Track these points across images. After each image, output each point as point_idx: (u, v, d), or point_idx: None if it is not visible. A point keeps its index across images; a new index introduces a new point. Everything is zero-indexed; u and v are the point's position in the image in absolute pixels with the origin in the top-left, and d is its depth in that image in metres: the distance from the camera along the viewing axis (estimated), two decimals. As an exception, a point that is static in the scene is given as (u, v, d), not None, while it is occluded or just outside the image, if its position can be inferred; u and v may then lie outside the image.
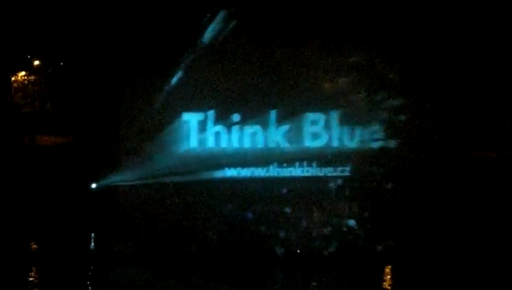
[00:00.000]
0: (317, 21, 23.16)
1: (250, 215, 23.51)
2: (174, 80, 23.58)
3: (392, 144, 23.99)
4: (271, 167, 23.86)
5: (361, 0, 23.45)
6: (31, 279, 19.51)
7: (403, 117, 23.70)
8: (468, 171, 23.67)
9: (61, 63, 27.55)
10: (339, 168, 23.99)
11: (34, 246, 22.81)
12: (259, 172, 23.86)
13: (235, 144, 23.82)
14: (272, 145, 23.84)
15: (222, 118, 23.61)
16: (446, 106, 23.76)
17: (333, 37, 23.37)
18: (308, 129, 23.87)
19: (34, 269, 20.21)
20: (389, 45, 23.58)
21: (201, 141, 23.82)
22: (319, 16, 23.17)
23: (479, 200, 23.76)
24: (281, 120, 23.71)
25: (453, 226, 23.08)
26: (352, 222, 23.57)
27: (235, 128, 23.69)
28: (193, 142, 23.85)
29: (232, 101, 23.51)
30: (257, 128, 23.72)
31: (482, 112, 24.98)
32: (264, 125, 23.71)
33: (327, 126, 23.87)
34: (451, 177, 23.59)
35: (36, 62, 27.93)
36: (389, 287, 20.50)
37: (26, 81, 28.11)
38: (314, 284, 20.33)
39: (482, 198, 23.86)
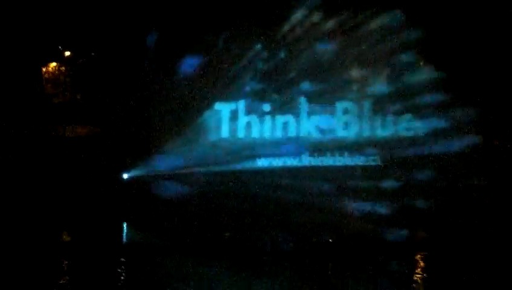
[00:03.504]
0: (350, 11, 23.14)
1: (281, 204, 23.47)
2: (205, 70, 23.63)
3: (423, 132, 23.86)
4: (303, 156, 23.85)
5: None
6: (62, 270, 19.56)
7: (435, 106, 23.58)
8: (502, 161, 23.50)
9: (92, 54, 27.62)
10: (371, 158, 23.92)
11: (65, 236, 22.88)
12: (291, 162, 23.85)
13: (267, 133, 23.84)
14: (303, 134, 23.82)
15: (254, 107, 23.63)
16: (481, 95, 23.57)
17: (366, 27, 23.30)
18: (339, 118, 23.83)
19: (65, 259, 20.26)
20: (422, 32, 23.41)
21: (233, 131, 23.87)
22: (352, 6, 23.16)
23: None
24: (312, 109, 23.70)
25: (484, 215, 22.90)
26: (383, 211, 23.46)
27: (267, 118, 23.71)
28: (224, 132, 23.92)
29: (264, 91, 23.53)
30: (289, 118, 23.73)
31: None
32: (296, 115, 23.71)
33: (359, 115, 23.84)
34: (483, 167, 23.40)
35: (67, 53, 27.98)
36: (420, 276, 20.35)
37: (57, 72, 28.16)
38: (346, 272, 20.22)
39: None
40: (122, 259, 20.39)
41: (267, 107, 23.67)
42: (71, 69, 28.10)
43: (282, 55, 23.75)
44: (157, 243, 22.00)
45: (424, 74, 23.81)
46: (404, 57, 23.84)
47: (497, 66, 23.72)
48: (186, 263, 19.87)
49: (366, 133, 23.93)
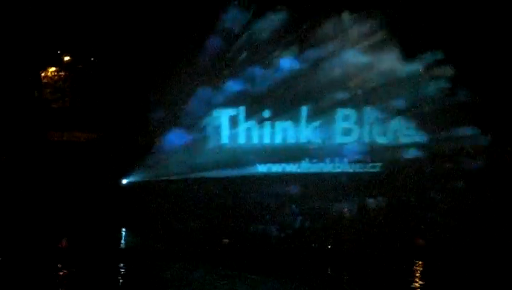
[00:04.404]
0: (353, 16, 23.23)
1: (281, 210, 23.50)
2: (205, 76, 23.67)
3: (423, 139, 23.94)
4: (302, 163, 23.91)
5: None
6: (62, 274, 19.50)
7: (435, 112, 23.65)
8: (504, 168, 23.56)
9: (91, 59, 27.62)
10: (370, 164, 23.99)
11: (64, 241, 22.80)
12: (290, 168, 23.91)
13: (266, 140, 23.92)
14: (303, 141, 23.90)
15: (253, 114, 23.70)
16: (482, 101, 23.64)
17: (369, 32, 23.38)
18: (339, 125, 23.91)
19: (64, 263, 20.20)
20: (424, 40, 23.49)
21: (233, 137, 23.93)
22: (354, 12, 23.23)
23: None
24: (312, 116, 23.78)
25: (486, 221, 22.90)
26: (382, 218, 23.46)
27: (267, 124, 23.78)
28: (224, 138, 23.97)
29: (264, 97, 23.60)
30: (288, 124, 23.81)
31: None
32: (296, 121, 23.80)
33: (359, 122, 23.92)
34: (485, 174, 23.44)
35: (66, 58, 27.96)
36: (419, 283, 20.33)
37: (56, 77, 28.11)
38: (345, 278, 20.22)
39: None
40: (121, 264, 20.35)
41: (267, 113, 23.66)
42: (70, 74, 28.06)
43: (283, 62, 23.73)
44: (156, 248, 21.96)
45: (425, 80, 23.89)
46: (405, 65, 23.86)
47: (499, 72, 23.79)
48: (184, 268, 19.84)
49: (366, 139, 23.95)
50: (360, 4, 23.63)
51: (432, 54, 23.85)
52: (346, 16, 23.72)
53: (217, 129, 23.90)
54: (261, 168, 23.89)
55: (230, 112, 23.83)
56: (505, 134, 24.44)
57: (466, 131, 23.77)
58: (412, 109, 23.91)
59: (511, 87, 24.34)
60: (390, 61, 23.84)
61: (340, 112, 23.95)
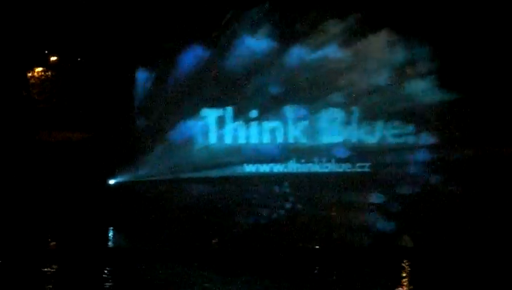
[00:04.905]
0: (338, 14, 23.23)
1: (268, 210, 23.47)
2: (192, 76, 23.64)
3: (411, 140, 23.96)
4: (290, 163, 23.92)
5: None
6: (49, 275, 19.44)
7: (423, 113, 23.67)
8: (491, 168, 23.57)
9: (78, 59, 27.56)
10: (358, 164, 24.00)
11: (52, 242, 22.76)
12: (278, 168, 23.92)
13: (254, 140, 23.92)
14: (291, 141, 23.92)
15: (241, 114, 23.69)
16: (468, 102, 23.67)
17: (355, 32, 23.38)
18: (327, 125, 23.93)
19: (51, 264, 20.14)
20: (410, 40, 23.49)
21: (220, 137, 23.92)
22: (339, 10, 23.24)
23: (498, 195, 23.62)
24: (300, 116, 23.78)
25: (474, 221, 22.93)
26: (370, 218, 23.46)
27: (254, 124, 23.78)
28: (212, 139, 23.96)
29: (251, 97, 23.58)
30: (276, 124, 23.81)
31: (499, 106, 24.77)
32: (283, 121, 23.80)
33: (346, 122, 23.93)
34: (471, 173, 23.46)
35: (53, 58, 27.90)
36: (407, 282, 20.36)
37: (43, 77, 28.06)
38: (333, 278, 20.22)
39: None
40: (109, 265, 20.30)
41: (254, 113, 23.65)
42: (57, 75, 28.01)
43: (269, 61, 23.70)
44: (144, 248, 21.92)
45: (413, 80, 23.90)
46: (393, 63, 23.86)
47: (490, 71, 23.83)
48: (172, 269, 19.82)
49: (354, 140, 23.98)
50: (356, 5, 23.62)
51: (421, 53, 23.85)
52: (336, 16, 23.67)
53: (205, 129, 23.85)
54: (249, 168, 23.87)
55: (218, 112, 23.78)
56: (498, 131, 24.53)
57: (454, 134, 23.80)
58: (400, 110, 23.84)
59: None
60: (379, 61, 23.84)
61: (328, 112, 23.91)
